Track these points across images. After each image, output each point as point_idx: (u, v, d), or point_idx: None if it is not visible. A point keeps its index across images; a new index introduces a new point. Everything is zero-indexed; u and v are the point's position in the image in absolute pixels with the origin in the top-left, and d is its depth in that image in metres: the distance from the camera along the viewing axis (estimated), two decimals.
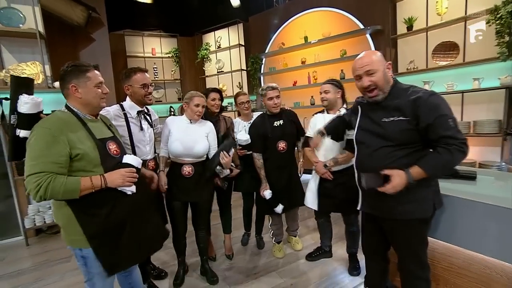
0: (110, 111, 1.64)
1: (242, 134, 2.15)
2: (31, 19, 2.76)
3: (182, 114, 1.96)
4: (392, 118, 1.20)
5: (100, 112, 1.57)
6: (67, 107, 1.22)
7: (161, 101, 6.10)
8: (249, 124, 2.27)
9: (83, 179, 1.11)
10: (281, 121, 2.13)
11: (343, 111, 1.93)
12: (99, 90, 1.23)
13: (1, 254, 2.69)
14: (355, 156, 1.40)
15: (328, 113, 2.00)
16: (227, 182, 2.07)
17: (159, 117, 2.08)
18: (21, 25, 2.79)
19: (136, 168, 1.25)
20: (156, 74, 6.05)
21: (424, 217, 1.24)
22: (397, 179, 1.15)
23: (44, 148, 1.05)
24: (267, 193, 2.06)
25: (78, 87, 1.18)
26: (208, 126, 1.96)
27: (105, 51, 4.09)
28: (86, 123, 1.21)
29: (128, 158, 1.25)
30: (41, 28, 2.82)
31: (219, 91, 2.15)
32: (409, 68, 3.62)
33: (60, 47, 3.55)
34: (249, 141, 2.13)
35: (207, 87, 6.42)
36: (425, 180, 1.16)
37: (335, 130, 1.69)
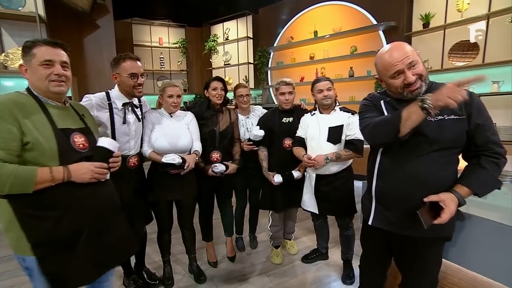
0: (93, 99, 1.49)
1: (257, 129, 2.04)
2: (32, 2, 2.72)
3: (160, 108, 1.85)
4: (441, 117, 1.01)
5: (84, 100, 1.48)
6: (27, 89, 1.04)
7: None
8: (247, 119, 2.19)
9: (40, 169, 0.92)
10: (291, 118, 2.04)
11: (337, 111, 1.81)
12: (46, 70, 1.00)
13: None
14: (378, 164, 1.16)
15: (321, 113, 1.86)
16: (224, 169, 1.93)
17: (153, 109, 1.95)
18: (20, 8, 2.75)
19: (112, 152, 1.10)
20: (162, 64, 6.00)
21: (448, 235, 1.11)
22: (452, 205, 0.97)
23: None
24: (278, 177, 1.97)
25: (26, 66, 1.01)
26: (188, 116, 1.88)
27: (110, 39, 4.04)
28: (47, 108, 1.03)
29: (103, 141, 1.10)
30: (41, 12, 2.77)
31: (222, 80, 1.99)
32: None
33: (63, 32, 3.51)
34: (261, 138, 2.03)
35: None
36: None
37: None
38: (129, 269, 1.89)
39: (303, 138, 1.93)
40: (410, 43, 3.60)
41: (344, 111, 1.81)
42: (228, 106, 2.12)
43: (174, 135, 1.74)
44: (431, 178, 1.02)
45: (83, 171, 1.01)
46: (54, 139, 0.98)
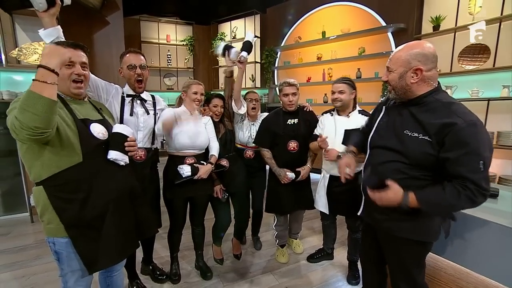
0: (117, 86, 1.62)
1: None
2: None
3: (180, 105, 1.88)
4: (416, 134, 1.02)
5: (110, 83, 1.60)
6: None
7: (172, 88, 6.09)
8: (252, 125, 2.14)
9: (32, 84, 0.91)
10: (296, 120, 2.00)
11: (355, 114, 1.81)
12: (68, 70, 1.09)
13: (6, 228, 2.77)
14: (366, 158, 1.26)
15: (339, 114, 1.87)
16: (227, 194, 1.98)
17: (170, 106, 1.97)
18: None
19: (127, 136, 1.20)
20: (169, 61, 6.03)
21: (423, 241, 1.11)
22: (391, 194, 1.02)
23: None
24: (291, 175, 1.96)
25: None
26: (206, 117, 1.94)
27: (119, 35, 4.07)
28: (68, 103, 1.12)
29: (118, 127, 1.21)
30: None
31: (223, 97, 2.04)
32: None
33: (74, 28, 3.55)
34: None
35: (219, 77, 6.38)
36: None
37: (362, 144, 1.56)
38: (133, 273, 1.88)
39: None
40: None
41: (362, 114, 1.80)
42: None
43: (194, 132, 1.79)
44: (395, 177, 1.05)
45: (49, 55, 0.93)
46: (75, 128, 1.08)
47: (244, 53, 1.89)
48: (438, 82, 1.06)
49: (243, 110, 2.06)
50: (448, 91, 3.17)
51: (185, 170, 1.67)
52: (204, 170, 1.73)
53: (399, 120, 1.10)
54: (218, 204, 2.01)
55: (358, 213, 1.33)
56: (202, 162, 1.79)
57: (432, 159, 0.99)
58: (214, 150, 1.88)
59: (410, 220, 1.08)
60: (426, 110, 1.02)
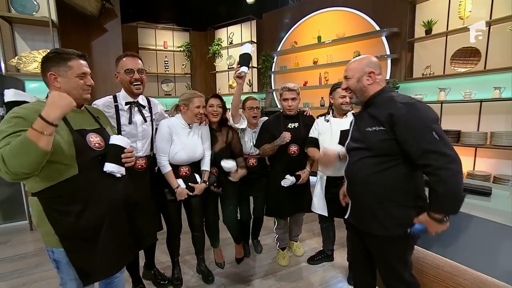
0: (99, 104, 1.54)
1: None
2: (45, 7, 2.79)
3: (175, 113, 1.84)
4: (374, 128, 1.18)
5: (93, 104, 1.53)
6: (47, 97, 1.08)
7: (170, 94, 6.12)
8: (254, 132, 2.14)
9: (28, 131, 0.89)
10: (296, 124, 2.02)
11: (349, 114, 1.85)
12: (81, 81, 1.13)
13: (6, 237, 2.75)
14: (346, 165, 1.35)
15: (335, 116, 1.91)
16: (221, 188, 1.99)
17: (166, 111, 1.93)
18: (34, 13, 2.82)
19: (123, 148, 1.18)
20: (167, 67, 6.07)
21: (389, 236, 1.16)
22: (434, 226, 1.07)
23: (8, 126, 0.93)
24: (292, 179, 1.96)
25: (58, 75, 1.09)
26: (202, 125, 1.89)
27: (117, 42, 4.11)
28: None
29: (115, 139, 1.18)
30: (54, 17, 2.84)
31: (219, 96, 1.97)
32: (424, 73, 3.48)
33: (73, 36, 3.59)
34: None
35: (217, 82, 6.43)
36: (400, 197, 1.14)
37: None
38: (137, 277, 1.88)
39: (317, 139, 1.93)
40: (412, 49, 3.67)
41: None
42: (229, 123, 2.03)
43: (192, 147, 1.78)
44: (366, 179, 1.20)
45: (51, 105, 0.92)
46: (71, 140, 1.06)
47: (244, 68, 1.80)
48: (386, 84, 1.28)
49: (243, 125, 2.03)
50: (442, 93, 3.25)
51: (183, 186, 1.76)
52: (199, 189, 1.80)
53: (362, 122, 1.27)
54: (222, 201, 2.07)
55: (345, 216, 1.37)
56: (196, 176, 1.83)
57: (390, 143, 1.12)
58: (206, 164, 1.88)
59: (380, 218, 1.17)
60: (376, 106, 1.21)
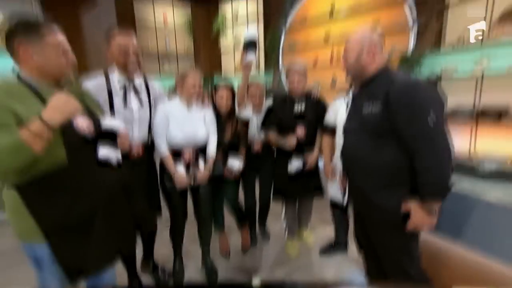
0: (90, 86, 1.36)
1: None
2: None
3: (173, 94, 1.71)
4: (370, 107, 1.14)
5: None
6: (18, 77, 0.96)
7: (172, 74, 5.83)
8: (259, 116, 2.05)
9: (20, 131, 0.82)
10: (303, 105, 1.90)
11: None
12: (58, 50, 0.99)
13: None
14: (342, 145, 1.32)
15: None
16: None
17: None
18: None
19: (116, 131, 1.08)
20: (167, 45, 5.75)
21: (388, 220, 1.14)
22: (418, 216, 1.06)
23: None
24: (298, 163, 1.87)
25: (28, 46, 0.94)
26: (206, 108, 1.77)
27: (110, 12, 3.80)
28: (43, 95, 0.96)
29: (107, 121, 1.07)
30: None
31: (230, 88, 1.84)
32: (457, 43, 2.97)
33: (59, 6, 3.27)
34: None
35: (222, 63, 6.07)
36: (396, 179, 1.11)
37: None
38: (134, 271, 1.74)
39: (333, 127, 1.82)
40: (442, 15, 3.16)
41: None
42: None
43: (190, 127, 1.62)
44: (362, 160, 1.18)
45: (53, 109, 0.86)
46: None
47: (250, 57, 1.68)
48: (387, 62, 1.20)
49: (249, 111, 1.99)
50: (479, 67, 2.78)
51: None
52: (201, 178, 1.66)
53: (358, 101, 1.23)
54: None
55: (344, 202, 1.33)
56: (201, 164, 1.69)
57: (387, 124, 1.08)
58: (211, 150, 1.73)
59: (379, 201, 1.14)
60: (375, 85, 1.17)
